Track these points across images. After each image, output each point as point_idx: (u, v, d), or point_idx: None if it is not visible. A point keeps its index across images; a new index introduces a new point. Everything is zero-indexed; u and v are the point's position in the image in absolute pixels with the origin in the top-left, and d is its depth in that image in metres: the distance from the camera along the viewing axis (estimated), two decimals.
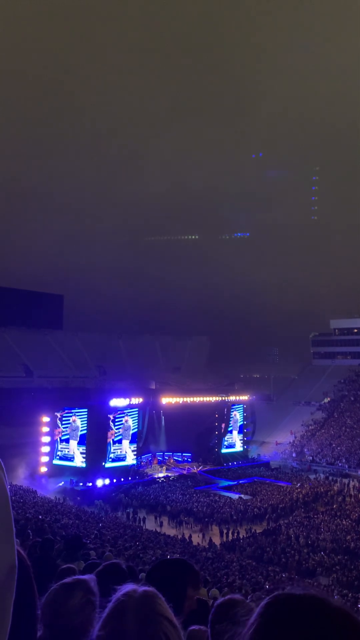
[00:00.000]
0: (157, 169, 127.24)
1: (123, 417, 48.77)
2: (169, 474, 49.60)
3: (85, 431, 47.35)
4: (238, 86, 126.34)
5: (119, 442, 48.69)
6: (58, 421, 48.19)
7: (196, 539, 32.09)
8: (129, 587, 1.22)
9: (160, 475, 49.05)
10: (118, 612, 1.15)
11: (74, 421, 47.65)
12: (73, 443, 47.44)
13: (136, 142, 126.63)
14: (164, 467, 51.33)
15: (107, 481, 44.44)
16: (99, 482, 43.78)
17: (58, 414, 48.24)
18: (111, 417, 48.22)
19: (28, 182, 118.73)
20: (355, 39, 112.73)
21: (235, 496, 42.84)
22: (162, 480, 47.77)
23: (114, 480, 45.06)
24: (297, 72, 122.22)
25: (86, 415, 47.52)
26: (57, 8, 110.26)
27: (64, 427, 47.95)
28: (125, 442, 48.63)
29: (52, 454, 47.52)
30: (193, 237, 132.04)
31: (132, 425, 49.29)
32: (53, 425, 47.85)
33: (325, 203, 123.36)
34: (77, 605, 2.05)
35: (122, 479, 45.95)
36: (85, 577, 2.21)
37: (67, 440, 47.68)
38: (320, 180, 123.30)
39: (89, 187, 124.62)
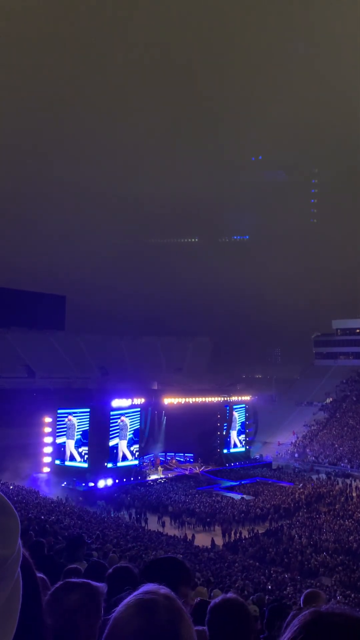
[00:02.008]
0: (158, 172, 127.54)
1: (119, 417, 48.72)
2: (163, 476, 49.14)
3: (84, 431, 47.34)
4: (238, 92, 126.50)
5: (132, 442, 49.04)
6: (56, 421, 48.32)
7: (199, 539, 32.04)
8: (152, 586, 1.28)
9: (155, 477, 48.73)
10: (149, 608, 1.20)
11: (69, 420, 47.65)
12: (70, 443, 47.46)
13: (138, 146, 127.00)
14: (160, 469, 51.09)
15: (109, 481, 44.38)
16: (101, 483, 43.78)
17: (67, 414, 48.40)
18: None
19: (30, 185, 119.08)
20: (356, 44, 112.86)
21: (237, 496, 42.81)
22: (164, 481, 47.66)
23: (116, 481, 45.04)
24: (297, 77, 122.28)
25: (88, 415, 47.51)
26: (63, 24, 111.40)
27: (60, 427, 47.96)
28: (123, 443, 48.56)
29: (54, 455, 47.55)
30: (193, 239, 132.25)
31: (129, 425, 49.16)
32: (55, 425, 47.90)
33: (327, 203, 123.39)
34: (75, 604, 2.05)
35: (125, 480, 45.96)
36: (95, 583, 2.22)
37: (64, 441, 47.69)
38: (321, 180, 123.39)
39: (91, 190, 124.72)
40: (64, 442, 47.64)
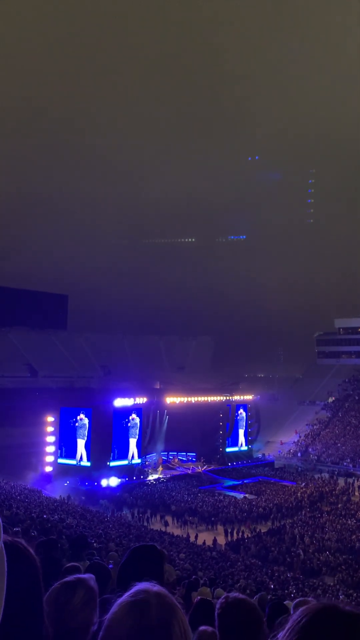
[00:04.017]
0: (159, 173, 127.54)
1: (129, 415, 48.99)
2: (162, 476, 49.10)
3: (90, 430, 47.43)
4: (235, 92, 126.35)
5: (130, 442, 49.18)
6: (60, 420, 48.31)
7: (201, 538, 32.05)
8: (143, 585, 1.32)
9: (155, 476, 48.77)
10: (141, 607, 1.24)
11: (80, 419, 47.72)
12: (80, 442, 47.54)
13: (138, 149, 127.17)
14: (160, 469, 51.07)
15: (112, 480, 44.30)
16: (104, 482, 43.85)
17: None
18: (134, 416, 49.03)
19: (33, 186, 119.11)
20: (356, 45, 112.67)
21: (240, 496, 42.83)
22: (165, 480, 47.69)
23: (122, 480, 45.07)
24: (294, 76, 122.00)
25: (91, 415, 47.60)
26: (62, 25, 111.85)
27: (66, 426, 47.99)
28: (133, 441, 48.78)
29: (57, 454, 47.62)
30: (192, 240, 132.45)
31: (137, 424, 49.43)
32: (58, 424, 47.94)
33: (328, 201, 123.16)
34: (79, 604, 2.06)
35: (127, 479, 46.03)
36: (85, 575, 2.23)
37: (73, 439, 47.73)
38: (321, 179, 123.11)
39: (93, 191, 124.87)
40: (73, 441, 47.63)
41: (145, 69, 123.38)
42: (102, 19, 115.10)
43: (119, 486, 43.85)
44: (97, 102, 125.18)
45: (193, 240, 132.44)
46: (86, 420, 47.54)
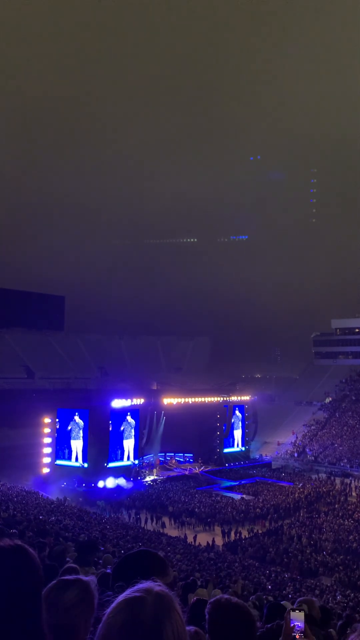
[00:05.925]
0: (158, 173, 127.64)
1: (125, 416, 49.01)
2: (158, 477, 49.08)
3: (86, 431, 47.37)
4: (238, 93, 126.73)
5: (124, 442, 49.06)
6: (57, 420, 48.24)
7: (199, 539, 32.01)
8: (146, 583, 1.33)
9: (151, 477, 48.72)
10: (135, 604, 1.26)
11: (77, 421, 47.66)
12: (75, 443, 47.44)
13: (139, 149, 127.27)
14: (155, 470, 51.01)
15: (109, 482, 44.22)
16: (100, 483, 43.78)
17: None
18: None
19: (31, 185, 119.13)
20: (354, 46, 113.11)
21: (237, 496, 42.82)
22: (161, 481, 47.63)
23: (123, 480, 45.03)
24: (296, 78, 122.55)
25: (88, 416, 47.54)
26: (64, 29, 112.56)
27: (63, 427, 47.91)
28: (128, 442, 48.73)
29: (54, 455, 47.52)
30: (192, 240, 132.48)
31: (132, 425, 49.41)
32: (55, 426, 47.84)
33: (326, 202, 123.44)
34: (71, 601, 2.05)
35: (135, 479, 46.06)
36: (86, 577, 2.22)
37: (69, 441, 47.64)
38: (320, 179, 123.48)
39: (91, 190, 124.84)
40: (70, 443, 47.55)
41: (150, 70, 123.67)
42: (106, 21, 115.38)
43: (115, 487, 43.73)
44: (98, 102, 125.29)
45: (191, 241, 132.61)
46: (82, 422, 47.48)
